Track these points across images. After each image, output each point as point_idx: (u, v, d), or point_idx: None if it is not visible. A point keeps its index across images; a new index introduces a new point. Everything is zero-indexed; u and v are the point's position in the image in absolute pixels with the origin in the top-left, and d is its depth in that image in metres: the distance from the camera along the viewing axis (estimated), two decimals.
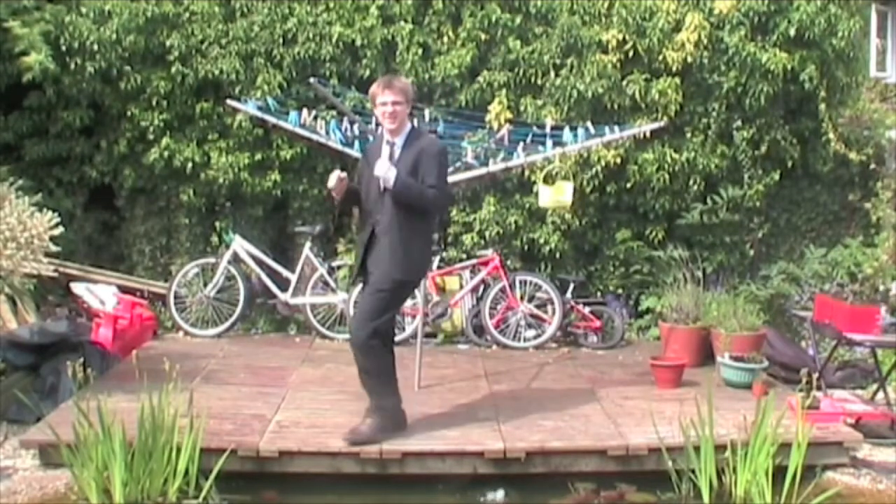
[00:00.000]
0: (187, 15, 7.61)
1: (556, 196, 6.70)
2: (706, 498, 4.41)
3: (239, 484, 4.54)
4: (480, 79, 7.61)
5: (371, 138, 6.74)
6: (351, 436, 4.70)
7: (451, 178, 6.77)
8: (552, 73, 7.57)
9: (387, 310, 4.83)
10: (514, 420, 5.12)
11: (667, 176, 7.63)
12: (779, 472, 4.36)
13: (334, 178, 4.76)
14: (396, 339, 7.27)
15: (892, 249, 7.53)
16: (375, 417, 4.80)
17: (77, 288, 7.02)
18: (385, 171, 4.70)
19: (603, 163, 7.53)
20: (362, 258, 4.89)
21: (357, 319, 4.88)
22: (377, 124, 6.95)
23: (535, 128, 7.19)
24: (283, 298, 7.55)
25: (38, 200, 5.82)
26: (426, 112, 7.18)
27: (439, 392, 5.84)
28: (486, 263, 7.49)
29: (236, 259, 7.59)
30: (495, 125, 7.34)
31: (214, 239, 7.94)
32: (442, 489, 4.70)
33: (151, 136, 7.65)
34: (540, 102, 7.60)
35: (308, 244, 7.59)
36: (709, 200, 7.75)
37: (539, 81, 7.61)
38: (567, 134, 6.75)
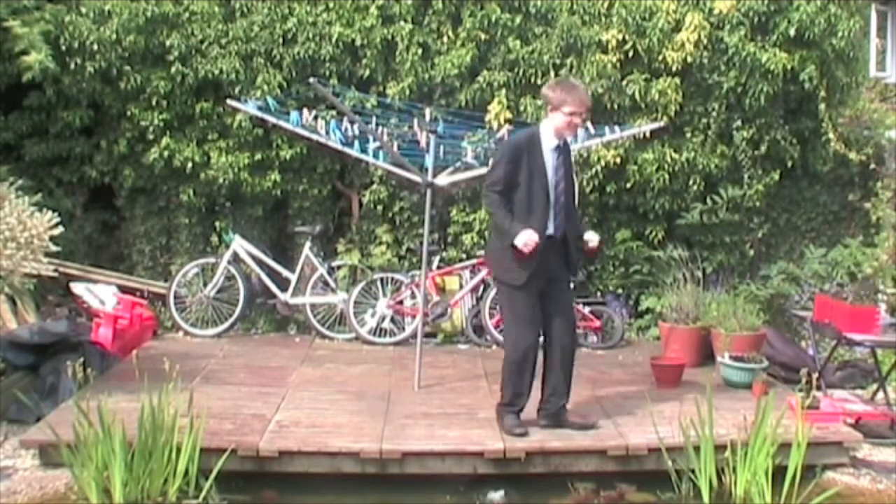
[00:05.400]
0: (187, 15, 7.60)
1: None
2: (706, 498, 4.41)
3: (239, 484, 4.55)
4: (480, 79, 7.61)
5: (372, 138, 6.76)
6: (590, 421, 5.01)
7: (450, 178, 6.82)
8: (552, 73, 7.57)
9: None
10: None
11: (667, 176, 7.63)
12: (779, 472, 4.36)
13: (532, 243, 4.66)
14: (396, 338, 7.38)
15: (892, 249, 7.53)
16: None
17: (77, 288, 7.02)
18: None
19: (603, 163, 7.52)
20: (542, 263, 4.82)
21: (574, 329, 5.08)
22: (374, 125, 6.97)
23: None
24: (283, 298, 7.56)
25: (38, 200, 5.83)
26: (426, 112, 7.19)
27: (439, 392, 5.84)
28: (485, 263, 7.48)
29: (236, 259, 7.59)
30: (495, 125, 7.34)
31: (214, 239, 7.94)
32: (463, 490, 4.69)
33: (151, 136, 7.65)
34: (540, 102, 7.56)
35: (308, 244, 7.60)
36: (709, 200, 7.74)
37: (539, 81, 7.58)
38: None
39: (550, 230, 4.84)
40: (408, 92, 7.54)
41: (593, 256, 5.22)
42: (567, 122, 4.80)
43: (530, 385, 4.96)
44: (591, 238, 5.08)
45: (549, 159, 4.85)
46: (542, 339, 5.01)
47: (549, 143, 4.86)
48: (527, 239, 4.66)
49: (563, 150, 4.92)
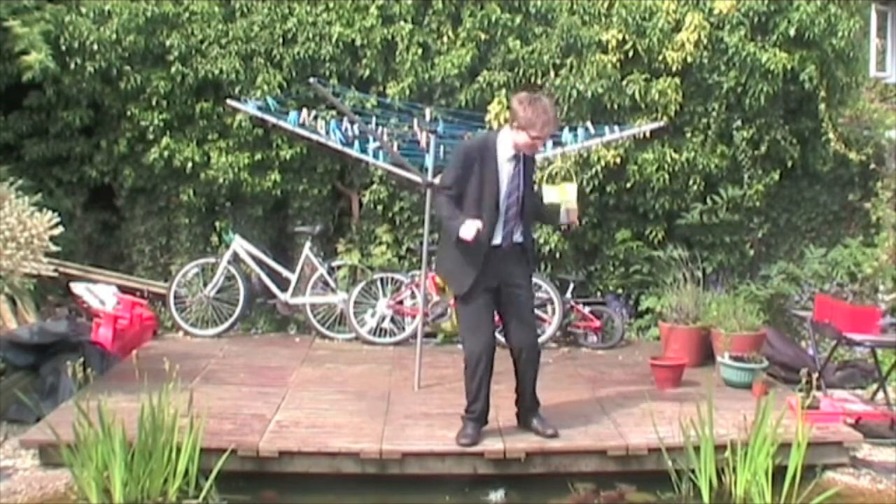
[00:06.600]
0: (187, 15, 7.60)
1: (560, 198, 6.68)
2: (706, 498, 4.42)
3: (239, 484, 4.55)
4: (480, 79, 7.61)
5: (372, 138, 6.75)
6: (553, 431, 4.84)
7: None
8: (552, 73, 7.57)
9: None
10: (513, 420, 5.10)
11: (667, 176, 7.62)
12: (779, 472, 4.37)
13: (474, 229, 4.55)
14: (396, 338, 7.37)
15: (892, 249, 7.53)
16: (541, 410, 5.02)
17: (77, 288, 7.02)
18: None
19: (603, 163, 7.52)
20: (483, 268, 4.72)
21: (532, 327, 5.01)
22: (374, 125, 6.96)
23: None
24: (283, 298, 7.56)
25: (38, 200, 5.83)
26: (426, 112, 7.19)
27: (439, 392, 5.84)
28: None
29: (236, 259, 7.59)
30: (495, 125, 7.33)
31: (214, 239, 7.94)
32: (466, 490, 4.69)
33: (151, 136, 7.65)
34: None
35: (308, 244, 7.60)
36: (709, 200, 7.74)
37: (539, 81, 7.60)
38: (567, 134, 6.75)
39: (497, 240, 4.74)
40: (408, 92, 7.54)
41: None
42: (531, 143, 4.67)
43: (485, 392, 4.83)
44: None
45: (505, 169, 4.74)
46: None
47: (505, 152, 4.74)
48: (470, 227, 4.55)
49: (522, 159, 4.78)
